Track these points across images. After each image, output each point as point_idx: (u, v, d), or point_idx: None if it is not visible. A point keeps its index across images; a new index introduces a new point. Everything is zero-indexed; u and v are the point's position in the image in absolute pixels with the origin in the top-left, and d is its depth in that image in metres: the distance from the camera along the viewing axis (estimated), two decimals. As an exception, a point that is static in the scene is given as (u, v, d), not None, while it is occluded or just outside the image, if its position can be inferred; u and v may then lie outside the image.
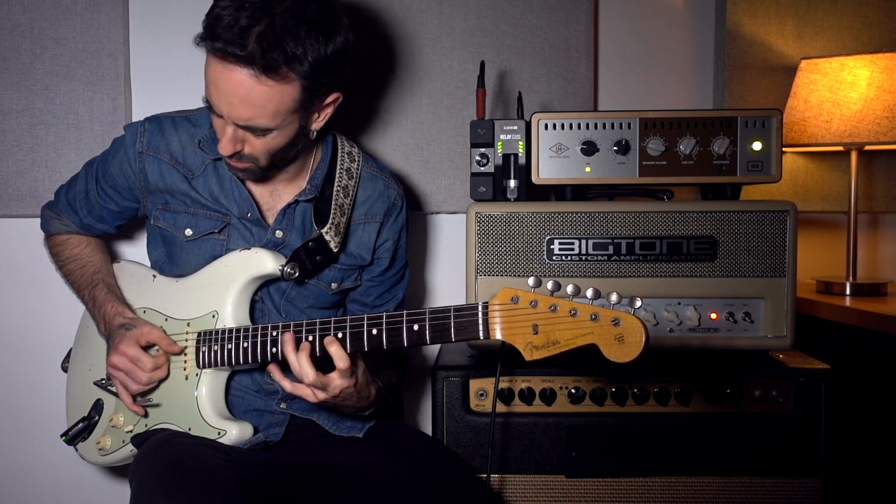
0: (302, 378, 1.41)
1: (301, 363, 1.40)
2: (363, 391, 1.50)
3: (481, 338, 1.32)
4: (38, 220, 1.85)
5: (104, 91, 2.05)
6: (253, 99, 1.43)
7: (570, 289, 1.25)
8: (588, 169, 1.75)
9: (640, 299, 1.25)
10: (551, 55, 2.17)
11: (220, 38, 1.39)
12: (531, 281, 1.27)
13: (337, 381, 1.42)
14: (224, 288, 1.58)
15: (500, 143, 1.80)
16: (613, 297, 1.22)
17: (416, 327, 1.37)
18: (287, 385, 1.44)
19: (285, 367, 1.46)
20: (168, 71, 2.08)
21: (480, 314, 1.32)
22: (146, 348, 1.59)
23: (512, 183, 1.79)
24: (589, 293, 1.24)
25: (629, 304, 1.24)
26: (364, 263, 1.72)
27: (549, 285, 1.25)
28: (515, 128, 1.79)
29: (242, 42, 1.38)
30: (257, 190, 1.65)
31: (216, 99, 1.46)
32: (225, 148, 1.50)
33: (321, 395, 1.43)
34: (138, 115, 2.05)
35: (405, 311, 1.39)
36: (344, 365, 1.40)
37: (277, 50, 1.39)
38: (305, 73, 1.43)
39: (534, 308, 1.27)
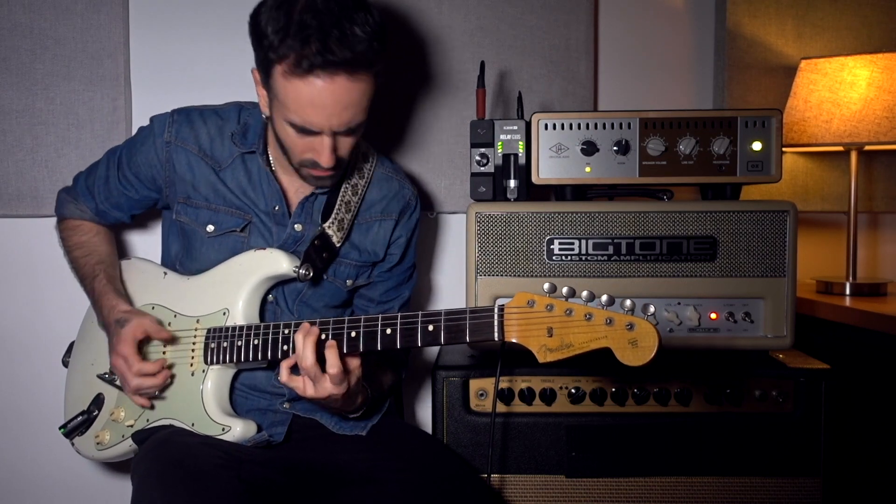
0: (300, 361, 1.42)
1: (305, 346, 1.41)
2: (351, 398, 1.51)
3: (496, 339, 1.34)
4: (38, 220, 1.86)
5: (104, 91, 2.05)
6: (353, 100, 1.45)
7: (584, 294, 1.28)
8: (588, 169, 1.75)
9: (653, 305, 1.29)
10: (551, 55, 2.17)
11: (321, 53, 1.38)
12: (546, 286, 1.29)
13: (327, 384, 1.43)
14: (237, 286, 1.59)
15: (500, 143, 1.80)
16: (627, 303, 1.26)
17: (430, 328, 1.38)
18: (284, 375, 1.45)
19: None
20: (168, 71, 2.08)
21: (496, 316, 1.33)
22: (146, 342, 1.60)
23: (512, 183, 1.79)
24: (604, 299, 1.27)
25: (643, 310, 1.27)
26: (377, 259, 1.74)
27: (565, 290, 1.28)
28: (515, 128, 1.79)
29: (344, 48, 1.38)
30: (285, 183, 1.66)
31: (315, 117, 1.45)
32: (330, 160, 1.50)
33: (310, 392, 1.44)
34: (138, 115, 2.05)
35: (420, 312, 1.41)
36: (335, 371, 1.41)
37: (363, 42, 1.40)
38: (379, 53, 1.45)
39: (549, 312, 1.29)
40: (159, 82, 2.08)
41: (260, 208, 1.65)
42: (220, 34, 2.07)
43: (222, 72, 2.06)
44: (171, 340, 1.60)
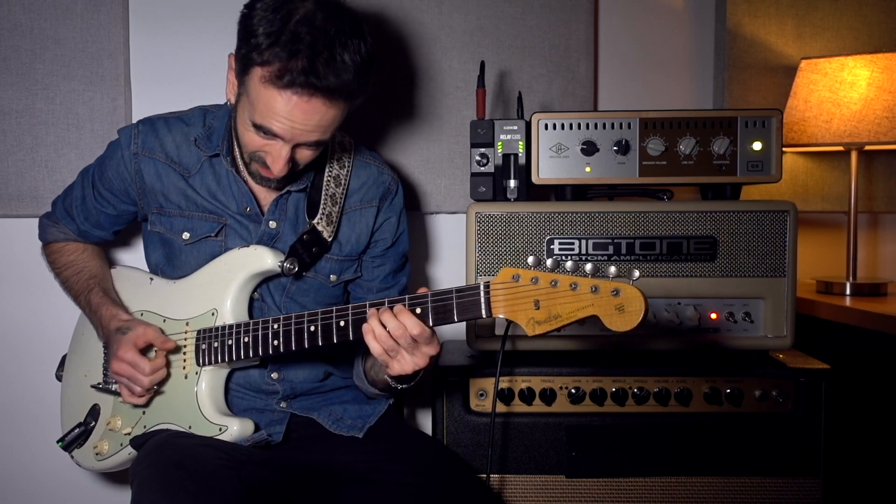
0: (397, 334, 1.36)
1: (402, 317, 1.36)
2: None
3: (483, 316, 1.33)
4: (38, 220, 1.85)
5: (104, 91, 2.05)
6: (324, 123, 1.45)
7: (569, 265, 1.27)
8: (588, 169, 1.75)
9: (638, 270, 1.25)
10: (551, 55, 2.17)
11: (305, 72, 1.37)
12: (531, 259, 1.29)
13: (424, 348, 1.39)
14: (223, 286, 1.59)
15: (500, 143, 1.80)
16: (612, 270, 1.24)
17: (418, 311, 1.37)
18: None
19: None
20: (168, 71, 2.08)
21: (482, 293, 1.32)
22: (146, 350, 1.59)
23: (512, 183, 1.79)
24: (588, 268, 1.25)
25: (628, 275, 1.25)
26: (361, 251, 1.72)
27: (549, 262, 1.27)
28: (515, 128, 1.79)
29: (329, 73, 1.38)
30: (253, 182, 1.65)
31: (282, 128, 1.45)
32: (282, 170, 1.50)
33: (409, 365, 1.39)
34: (138, 115, 2.04)
35: (407, 296, 1.39)
36: (418, 331, 1.36)
37: (349, 72, 1.40)
38: (362, 87, 1.46)
39: (535, 284, 1.28)
40: (159, 82, 2.08)
41: (232, 211, 1.64)
42: (219, 34, 2.07)
43: (222, 72, 2.05)
44: (175, 350, 1.59)
